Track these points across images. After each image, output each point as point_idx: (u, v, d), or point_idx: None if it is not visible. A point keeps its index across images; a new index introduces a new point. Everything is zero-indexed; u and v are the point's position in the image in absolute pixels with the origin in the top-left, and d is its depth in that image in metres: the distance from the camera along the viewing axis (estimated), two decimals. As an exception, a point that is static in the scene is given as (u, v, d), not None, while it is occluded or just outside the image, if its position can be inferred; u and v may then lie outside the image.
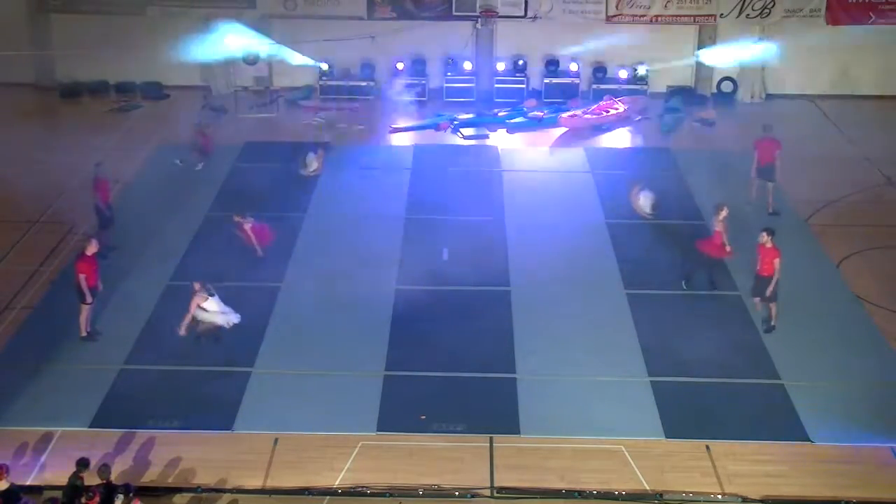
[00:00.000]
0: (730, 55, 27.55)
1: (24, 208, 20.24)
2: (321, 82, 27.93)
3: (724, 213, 16.96)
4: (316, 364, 15.29)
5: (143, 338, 15.90)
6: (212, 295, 15.39)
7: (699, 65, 28.26)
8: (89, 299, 15.61)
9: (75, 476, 11.75)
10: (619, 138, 25.53)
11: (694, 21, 27.30)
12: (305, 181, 21.83)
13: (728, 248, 16.99)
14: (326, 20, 27.15)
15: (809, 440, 13.65)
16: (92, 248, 15.69)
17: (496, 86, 27.88)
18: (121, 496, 11.42)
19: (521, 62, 28.07)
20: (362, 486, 12.76)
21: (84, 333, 15.83)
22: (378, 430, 13.83)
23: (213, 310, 15.41)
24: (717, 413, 14.20)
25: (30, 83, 28.24)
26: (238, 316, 15.56)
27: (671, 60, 28.26)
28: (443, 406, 14.30)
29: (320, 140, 23.92)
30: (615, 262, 18.43)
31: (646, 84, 27.83)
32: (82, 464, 11.84)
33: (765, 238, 16.08)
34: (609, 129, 25.79)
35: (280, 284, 17.54)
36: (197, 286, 15.41)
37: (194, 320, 15.44)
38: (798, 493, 12.73)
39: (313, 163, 22.12)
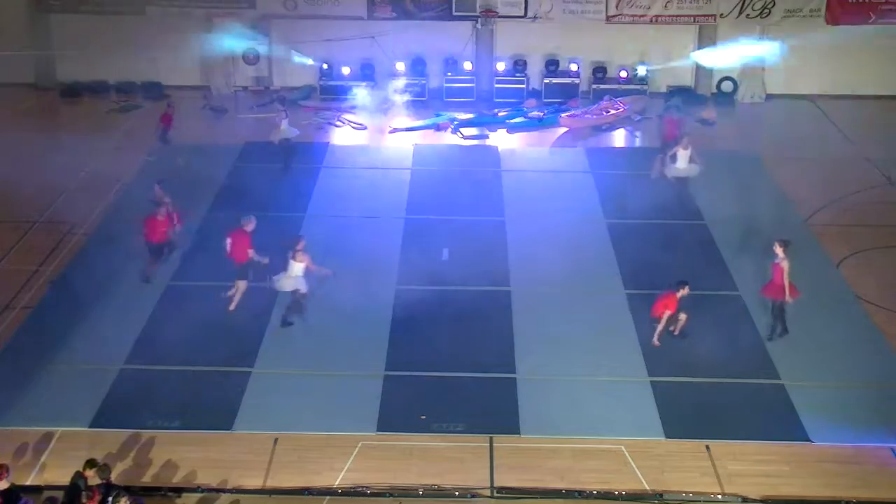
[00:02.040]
0: (729, 56, 27.57)
1: (24, 208, 20.24)
2: (321, 82, 27.94)
3: (780, 251, 15.69)
4: (316, 364, 15.29)
5: (143, 338, 15.90)
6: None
7: (699, 65, 28.29)
8: (250, 278, 16.44)
9: (78, 475, 11.75)
10: (619, 138, 25.54)
11: (694, 21, 27.32)
12: (304, 181, 21.84)
13: (793, 291, 15.62)
14: (326, 20, 27.17)
15: (809, 440, 13.65)
16: (250, 226, 16.42)
17: (496, 86, 27.90)
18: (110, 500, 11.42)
19: (521, 62, 28.08)
20: (362, 486, 12.76)
21: (232, 303, 16.51)
22: (378, 430, 13.83)
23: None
24: (717, 413, 14.20)
25: (30, 83, 28.26)
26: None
27: (671, 60, 28.31)
28: (443, 406, 14.30)
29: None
30: (615, 262, 18.43)
31: (646, 84, 27.86)
32: (90, 464, 11.78)
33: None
34: (609, 129, 25.81)
35: (280, 284, 17.54)
36: (300, 245, 15.97)
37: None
38: (798, 493, 12.73)
39: (282, 126, 22.22)
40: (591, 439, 13.63)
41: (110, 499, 11.32)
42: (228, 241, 16.60)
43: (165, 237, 17.50)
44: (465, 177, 22.40)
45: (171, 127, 23.40)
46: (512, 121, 25.99)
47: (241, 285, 16.57)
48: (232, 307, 16.54)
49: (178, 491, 12.68)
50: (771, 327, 16.00)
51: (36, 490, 12.40)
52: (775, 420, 14.10)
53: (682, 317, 15.82)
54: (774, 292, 15.74)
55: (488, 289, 17.52)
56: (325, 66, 27.84)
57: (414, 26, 27.27)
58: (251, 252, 16.41)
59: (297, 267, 15.92)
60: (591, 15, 27.00)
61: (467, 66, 27.98)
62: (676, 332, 15.85)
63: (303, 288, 16.06)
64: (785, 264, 15.49)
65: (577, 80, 27.93)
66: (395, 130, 25.62)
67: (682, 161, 20.72)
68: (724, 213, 20.27)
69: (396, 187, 21.76)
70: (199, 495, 12.63)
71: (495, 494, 12.73)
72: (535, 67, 28.29)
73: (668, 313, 15.61)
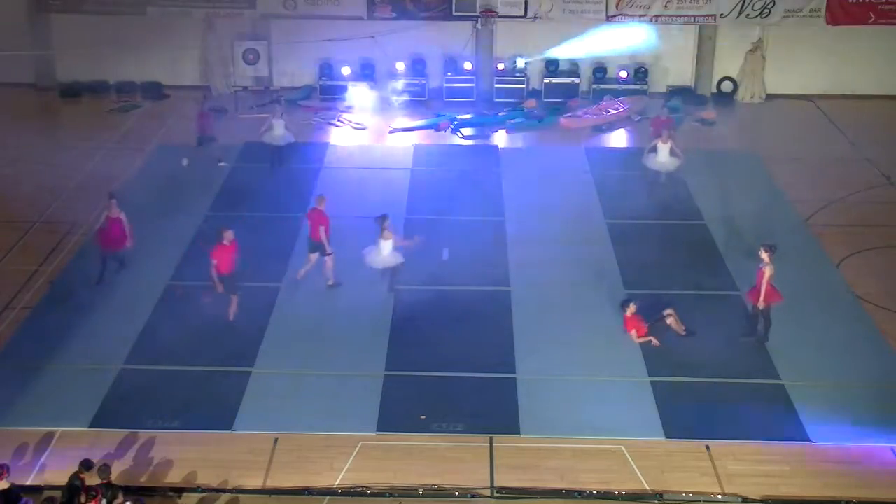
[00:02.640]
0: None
1: (24, 208, 20.24)
2: (321, 82, 27.94)
3: (765, 256, 15.47)
4: (316, 364, 15.28)
5: (143, 338, 15.90)
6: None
7: (699, 65, 28.30)
8: (330, 249, 17.08)
9: (75, 476, 11.75)
10: (619, 138, 25.54)
11: (694, 21, 27.31)
12: (304, 181, 21.84)
13: (773, 296, 15.48)
14: (326, 20, 27.17)
15: (809, 440, 13.65)
16: (323, 204, 17.35)
17: (496, 86, 27.89)
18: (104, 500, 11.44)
19: (520, 62, 28.06)
20: (362, 486, 12.76)
21: (332, 282, 17.26)
22: (378, 430, 13.82)
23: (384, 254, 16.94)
24: (717, 413, 14.20)
25: (30, 83, 28.26)
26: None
27: (671, 60, 28.31)
28: (443, 406, 14.29)
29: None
30: (615, 262, 18.42)
31: (646, 84, 27.86)
32: (84, 465, 11.81)
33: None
34: (609, 129, 25.81)
35: (280, 284, 17.54)
36: (386, 223, 16.88)
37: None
38: (798, 493, 12.73)
39: (279, 128, 22.05)
40: (591, 439, 13.63)
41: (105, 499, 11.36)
42: (308, 222, 17.35)
43: (234, 265, 16.09)
44: (465, 177, 22.39)
45: (210, 126, 23.24)
46: (512, 121, 25.99)
47: (329, 261, 17.29)
48: (331, 282, 17.34)
49: (178, 491, 12.67)
50: (764, 331, 15.86)
51: (36, 490, 12.39)
52: (775, 420, 14.09)
53: (669, 321, 15.81)
54: (757, 297, 15.67)
55: (488, 289, 17.52)
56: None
57: (414, 26, 27.26)
58: (322, 230, 17.00)
59: (386, 245, 16.82)
60: (591, 15, 26.99)
61: (467, 66, 27.98)
62: (681, 333, 15.83)
63: (398, 259, 16.99)
64: (768, 270, 15.38)
65: (577, 80, 27.93)
66: (395, 130, 25.64)
67: (663, 153, 20.91)
68: (724, 213, 20.29)
69: (396, 187, 21.75)
70: (199, 495, 12.62)
71: (495, 494, 12.72)
72: (535, 67, 28.29)
73: (633, 333, 15.71)
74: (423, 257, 18.36)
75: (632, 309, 15.82)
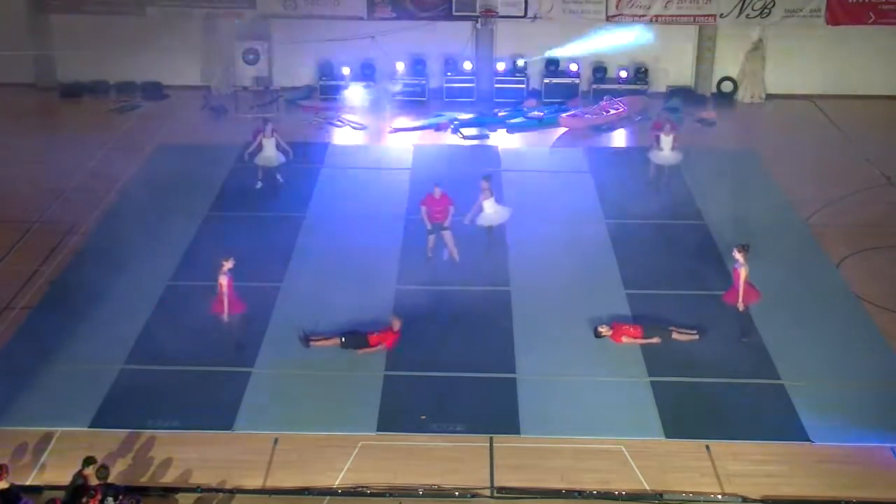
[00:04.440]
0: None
1: (24, 208, 20.24)
2: (321, 82, 27.93)
3: (739, 256, 15.41)
4: (316, 364, 15.28)
5: (143, 338, 15.89)
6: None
7: (699, 65, 28.30)
8: (429, 226, 18.28)
9: (78, 475, 11.75)
10: (619, 138, 25.53)
11: (694, 21, 27.30)
12: (304, 181, 21.81)
13: (750, 295, 15.49)
14: (326, 20, 27.17)
15: (809, 440, 13.65)
16: (438, 191, 18.26)
17: (496, 86, 27.88)
18: (110, 499, 11.44)
19: (521, 62, 28.06)
20: (362, 486, 12.77)
21: (430, 256, 18.37)
22: (378, 430, 13.82)
23: (490, 211, 18.39)
24: (717, 413, 14.20)
25: (30, 83, 28.25)
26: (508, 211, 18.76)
27: (671, 60, 28.31)
28: (443, 406, 14.29)
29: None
30: (615, 262, 18.42)
31: (646, 84, 27.86)
32: (87, 462, 11.79)
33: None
34: (609, 129, 25.80)
35: (280, 284, 17.54)
36: (485, 184, 18.35)
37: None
38: (798, 493, 12.73)
39: (269, 147, 21.17)
40: (591, 439, 13.63)
41: (110, 498, 11.36)
42: (423, 208, 18.13)
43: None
44: (465, 177, 22.34)
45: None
46: (512, 121, 25.99)
47: (447, 235, 18.26)
48: (455, 256, 18.21)
49: (178, 491, 12.68)
50: (742, 330, 15.87)
51: (36, 490, 12.41)
52: (775, 420, 14.09)
53: (675, 336, 15.75)
54: (733, 298, 15.65)
55: (488, 289, 17.52)
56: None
57: (414, 26, 27.26)
58: (423, 210, 18.21)
59: (489, 203, 18.28)
60: (591, 15, 26.98)
61: (467, 66, 27.98)
62: (695, 339, 15.83)
63: (506, 212, 18.72)
64: (743, 270, 15.35)
65: (577, 80, 27.93)
66: (395, 130, 25.63)
67: (666, 146, 21.02)
68: (724, 214, 20.26)
69: (396, 187, 21.75)
70: (198, 495, 12.63)
71: (495, 494, 12.73)
72: (535, 67, 28.28)
73: (628, 339, 15.69)
74: (424, 257, 18.39)
75: (605, 330, 15.77)
